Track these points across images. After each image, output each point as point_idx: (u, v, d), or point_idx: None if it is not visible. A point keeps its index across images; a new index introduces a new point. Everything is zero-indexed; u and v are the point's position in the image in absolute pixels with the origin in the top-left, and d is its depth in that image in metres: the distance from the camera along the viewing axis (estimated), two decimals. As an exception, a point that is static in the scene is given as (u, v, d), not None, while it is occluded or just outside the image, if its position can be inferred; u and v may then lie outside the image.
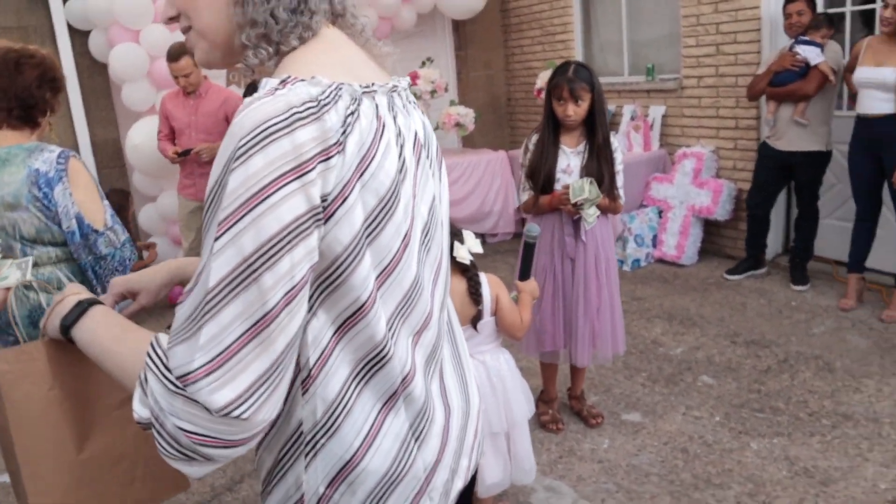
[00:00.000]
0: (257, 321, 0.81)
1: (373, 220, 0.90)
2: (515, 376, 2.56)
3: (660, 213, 5.63)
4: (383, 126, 0.92)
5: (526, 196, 3.13)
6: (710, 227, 5.59)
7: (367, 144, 0.88)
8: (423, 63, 6.46)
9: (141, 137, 5.16)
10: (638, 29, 6.17)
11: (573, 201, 2.92)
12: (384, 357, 0.95)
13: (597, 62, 6.65)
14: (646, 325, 4.46)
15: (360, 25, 1.04)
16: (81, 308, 1.06)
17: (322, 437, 0.95)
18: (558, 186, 3.02)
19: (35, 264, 2.16)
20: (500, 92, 7.60)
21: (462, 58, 7.33)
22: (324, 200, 0.84)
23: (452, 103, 6.61)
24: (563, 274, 3.13)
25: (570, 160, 3.04)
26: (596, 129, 3.00)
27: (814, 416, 3.28)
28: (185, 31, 1.01)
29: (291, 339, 0.84)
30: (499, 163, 6.43)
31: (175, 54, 4.54)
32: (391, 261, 0.93)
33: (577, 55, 6.66)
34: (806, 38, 4.45)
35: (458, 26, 7.22)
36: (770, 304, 4.62)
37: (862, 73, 4.08)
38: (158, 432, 0.86)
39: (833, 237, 5.00)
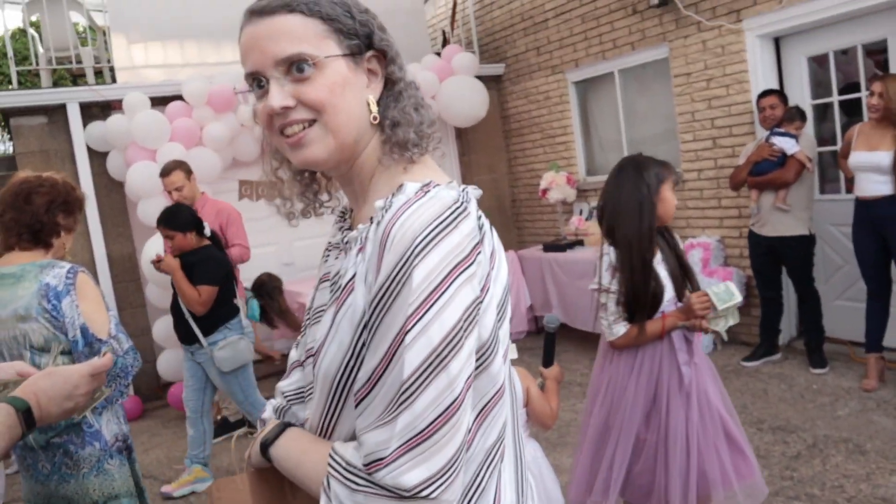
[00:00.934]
0: (448, 406, 0.86)
1: (501, 311, 0.97)
2: (548, 466, 2.53)
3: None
4: (491, 227, 1.01)
5: (621, 328, 2.47)
6: (723, 316, 5.60)
7: (494, 241, 0.98)
8: (429, 169, 6.66)
9: (155, 251, 5.26)
10: (636, 127, 6.40)
11: (721, 308, 2.47)
12: (501, 442, 1.01)
13: (597, 161, 6.86)
14: (668, 415, 4.40)
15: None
16: (280, 429, 1.10)
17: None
18: (665, 305, 2.48)
19: None
20: (504, 194, 7.79)
21: (466, 163, 7.56)
22: (482, 289, 0.92)
23: (459, 206, 6.76)
24: (670, 411, 2.47)
25: (659, 271, 2.49)
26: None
27: (852, 501, 3.20)
28: (304, 124, 1.01)
29: (471, 416, 0.91)
30: (509, 263, 6.47)
31: (167, 169, 4.66)
32: (507, 349, 1.01)
33: (579, 155, 6.88)
34: (781, 129, 4.66)
35: (461, 133, 7.48)
36: (791, 388, 4.57)
37: (857, 158, 4.22)
38: None
39: (846, 318, 5.01)
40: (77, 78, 6.91)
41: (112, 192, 5.94)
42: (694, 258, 5.54)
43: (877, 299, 4.38)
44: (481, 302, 0.91)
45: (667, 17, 5.64)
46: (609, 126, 6.65)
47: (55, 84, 6.94)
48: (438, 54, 7.02)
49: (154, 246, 5.39)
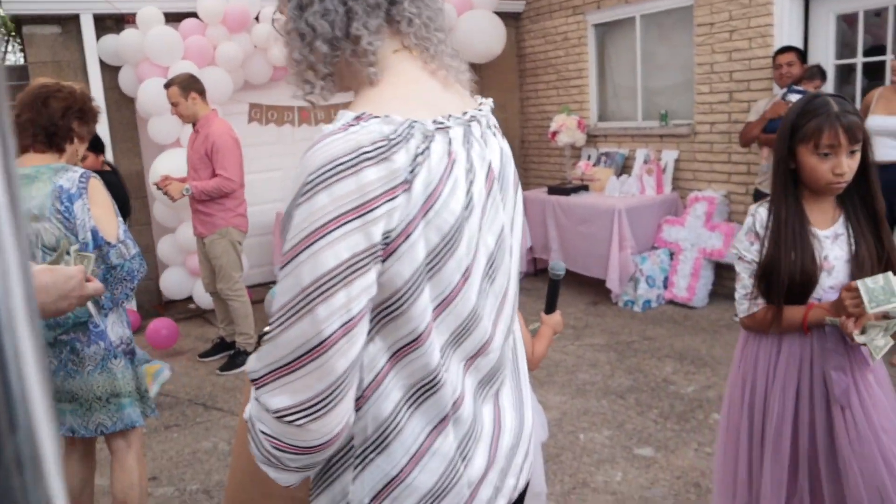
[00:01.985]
0: (314, 347, 0.88)
1: (434, 256, 0.94)
2: (534, 401, 2.58)
3: (671, 255, 5.70)
4: (453, 162, 0.95)
5: (754, 307, 2.02)
6: (721, 271, 5.65)
7: (434, 182, 0.92)
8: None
9: (163, 170, 5.29)
10: (652, 76, 6.32)
11: (873, 312, 1.79)
12: (436, 384, 0.99)
13: (610, 107, 6.80)
14: (657, 363, 4.50)
15: (432, 50, 1.05)
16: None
17: (371, 452, 1.01)
18: (824, 292, 1.95)
19: None
20: (514, 135, 7.75)
21: (478, 100, 7.49)
22: (386, 237, 0.89)
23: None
24: (815, 429, 1.98)
25: (826, 249, 1.96)
26: (868, 194, 2.01)
27: (826, 455, 3.30)
28: None
29: (352, 363, 0.91)
30: (513, 203, 6.52)
31: (167, 83, 4.59)
32: (449, 294, 0.97)
33: (592, 100, 6.82)
34: (799, 87, 4.60)
35: (475, 69, 7.33)
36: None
37: (874, 122, 4.18)
38: (252, 436, 0.96)
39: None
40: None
41: (123, 107, 5.92)
42: (697, 212, 5.56)
43: (875, 264, 4.41)
44: (378, 251, 0.89)
45: (694, -37, 5.51)
46: (625, 72, 6.57)
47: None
48: (458, -14, 6.88)
49: (162, 164, 5.42)
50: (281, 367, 0.90)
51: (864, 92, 4.77)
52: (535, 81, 7.43)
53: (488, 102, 1.17)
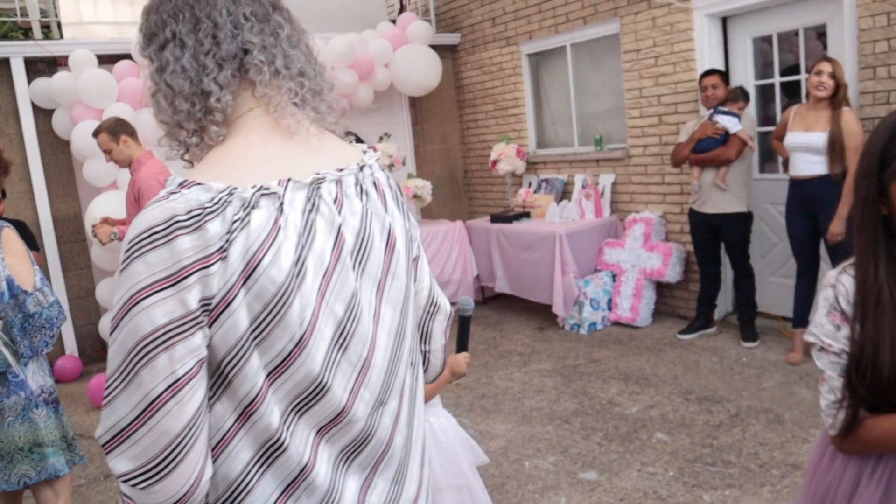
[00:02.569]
0: (143, 410, 0.90)
1: (259, 324, 0.93)
2: (457, 429, 2.58)
3: (613, 276, 5.79)
4: (279, 229, 0.94)
5: (841, 415, 1.39)
6: (663, 289, 5.76)
7: (253, 250, 0.91)
8: (381, 138, 6.66)
9: (100, 212, 5.20)
10: (585, 102, 6.46)
11: None
12: (280, 446, 0.98)
13: (548, 134, 6.92)
14: (602, 385, 4.54)
15: (292, 101, 1.04)
16: None
17: None
18: None
19: None
20: (457, 164, 7.83)
21: (419, 132, 7.57)
22: (206, 304, 0.90)
23: (410, 176, 6.79)
24: None
25: None
26: None
27: (764, 467, 3.36)
28: None
29: (186, 424, 0.91)
30: (456, 233, 6.57)
31: (94, 132, 4.47)
32: (282, 362, 0.96)
33: (530, 128, 6.93)
34: (724, 108, 4.77)
35: (415, 102, 7.47)
36: (722, 361, 4.74)
37: (793, 138, 4.34)
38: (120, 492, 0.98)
39: (779, 294, 5.19)
40: (27, 32, 6.73)
41: (58, 150, 5.82)
42: (636, 233, 5.67)
43: (805, 276, 4.54)
44: (198, 317, 0.90)
45: (618, -7, 5.68)
46: (560, 100, 6.70)
47: (3, 37, 6.74)
48: (394, 22, 6.97)
49: (99, 206, 5.33)
50: (120, 432, 0.91)
51: (784, 109, 4.95)
52: (475, 112, 7.53)
53: (374, 156, 1.16)
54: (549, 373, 4.89)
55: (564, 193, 6.49)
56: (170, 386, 0.89)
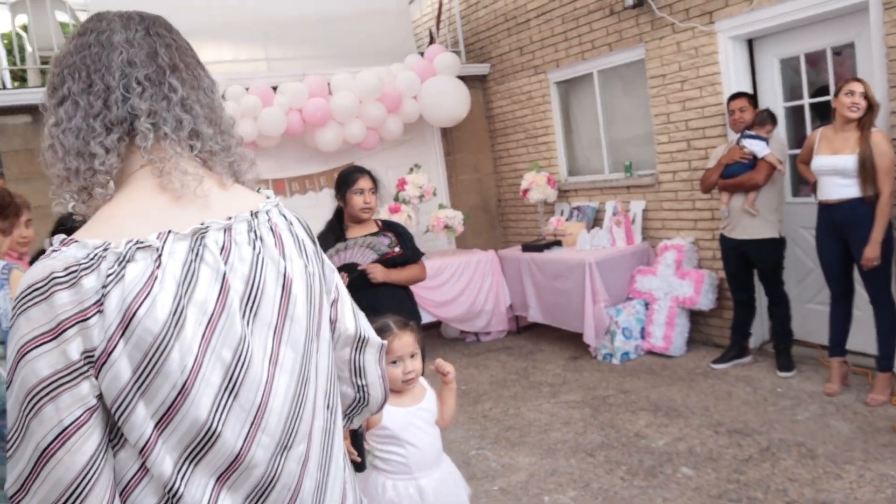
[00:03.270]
0: (38, 459, 0.93)
1: (141, 373, 0.95)
2: (459, 481, 2.58)
3: (646, 305, 5.67)
4: (154, 280, 0.96)
5: None
6: (697, 317, 5.62)
7: (128, 302, 0.94)
8: (411, 169, 6.71)
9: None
10: (615, 128, 6.41)
11: None
12: (175, 495, 0.99)
13: (579, 161, 6.88)
14: (630, 417, 4.43)
15: (182, 171, 1.06)
16: None
17: None
18: None
19: None
20: (490, 193, 7.82)
21: (451, 162, 7.59)
22: (88, 355, 0.94)
23: (441, 207, 6.81)
24: None
25: None
26: None
27: (792, 504, 3.22)
28: None
29: (79, 472, 0.94)
30: (488, 262, 6.55)
31: None
32: (167, 411, 0.97)
33: (560, 156, 6.90)
34: (751, 132, 4.66)
35: (446, 132, 7.52)
36: (756, 391, 4.58)
37: (820, 162, 4.21)
38: None
39: (816, 322, 5.01)
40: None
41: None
42: (667, 260, 5.56)
43: (839, 303, 4.38)
44: (81, 367, 0.94)
45: (642, 19, 5.64)
46: (589, 127, 6.66)
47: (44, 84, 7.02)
48: (422, 54, 7.05)
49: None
50: (24, 483, 0.94)
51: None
52: (506, 140, 7.53)
53: (272, 202, 1.17)
54: (577, 404, 4.80)
55: (596, 221, 6.42)
56: (58, 435, 0.92)
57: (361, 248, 3.53)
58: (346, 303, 1.30)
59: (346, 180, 3.69)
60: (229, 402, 1.01)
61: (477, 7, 7.60)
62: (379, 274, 3.58)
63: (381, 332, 2.28)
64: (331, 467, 1.17)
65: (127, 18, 1.11)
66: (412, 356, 2.41)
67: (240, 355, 1.02)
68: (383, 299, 3.49)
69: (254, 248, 1.07)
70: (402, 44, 7.48)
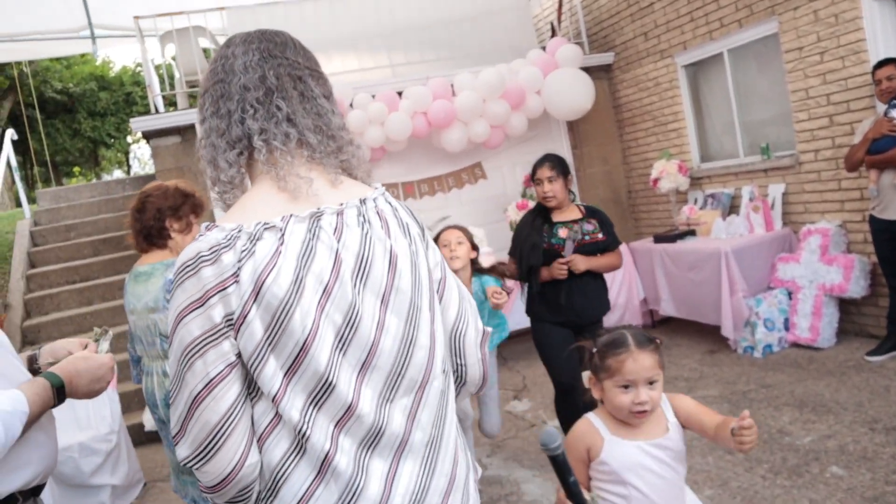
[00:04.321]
0: (190, 405, 1.14)
1: (271, 331, 1.14)
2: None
3: (789, 294, 5.32)
4: (279, 255, 1.15)
5: None
6: (848, 306, 5.21)
7: (258, 272, 1.13)
8: (535, 165, 6.65)
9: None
10: (748, 109, 6.06)
11: None
12: (303, 436, 1.17)
13: (712, 147, 6.56)
14: (773, 413, 4.17)
15: (297, 175, 1.25)
16: None
17: (267, 497, 1.20)
18: None
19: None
20: (620, 185, 7.62)
21: (578, 155, 7.47)
22: (229, 318, 1.14)
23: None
24: None
25: None
26: None
27: (959, 508, 2.92)
28: None
29: (222, 416, 1.14)
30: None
31: None
32: (293, 363, 1.15)
33: (692, 142, 6.61)
34: None
35: (573, 125, 7.40)
36: (918, 385, 4.19)
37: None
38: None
39: None
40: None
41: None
42: (811, 246, 5.20)
43: None
44: (223, 328, 1.14)
45: (775, -10, 5.30)
46: (721, 110, 6.34)
47: (192, 106, 7.58)
48: (544, 48, 6.97)
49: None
50: (180, 424, 1.15)
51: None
52: (634, 130, 7.31)
53: (378, 192, 1.34)
54: (715, 399, 4.58)
55: (732, 208, 6.10)
56: (206, 385, 1.13)
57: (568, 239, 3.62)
58: (452, 285, 1.43)
59: (532, 171, 3.78)
60: (338, 359, 1.18)
61: (598, -5, 7.44)
62: (581, 264, 3.60)
63: (615, 346, 1.94)
64: (445, 426, 1.32)
65: (248, 43, 1.31)
66: (650, 383, 1.91)
67: (349, 319, 1.19)
68: (580, 286, 3.64)
69: (362, 228, 1.25)
70: (524, 39, 7.45)
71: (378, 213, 1.29)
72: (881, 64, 4.45)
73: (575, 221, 3.71)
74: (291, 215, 1.19)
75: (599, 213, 3.84)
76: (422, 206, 6.84)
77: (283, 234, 1.17)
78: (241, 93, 1.26)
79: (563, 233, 3.68)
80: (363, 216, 1.26)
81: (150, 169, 22.45)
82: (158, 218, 2.72)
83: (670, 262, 5.94)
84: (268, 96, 1.26)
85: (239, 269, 1.13)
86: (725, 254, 5.31)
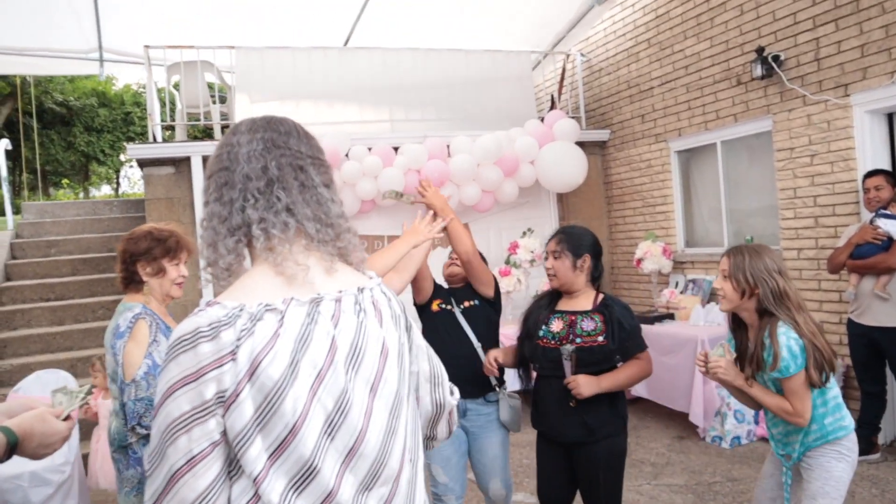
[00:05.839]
0: (169, 480, 1.14)
1: (262, 412, 1.15)
2: None
3: (762, 388, 5.34)
4: (277, 337, 1.18)
5: None
6: (819, 406, 5.22)
7: (255, 353, 1.15)
8: (524, 233, 6.71)
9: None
10: (737, 200, 6.18)
11: None
12: None
13: (697, 233, 6.66)
14: (737, 509, 4.14)
15: (294, 261, 1.29)
16: None
17: None
18: None
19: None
20: (604, 260, 7.67)
21: (566, 227, 7.53)
22: (220, 396, 1.14)
23: (552, 270, 6.73)
24: None
25: None
26: None
27: None
28: None
29: (201, 493, 1.14)
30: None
31: None
32: (279, 445, 1.16)
33: (678, 226, 6.71)
34: (887, 211, 4.36)
35: (562, 197, 7.49)
36: (883, 494, 4.18)
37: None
38: None
39: (958, 424, 4.54)
40: (210, 133, 7.55)
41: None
42: (788, 342, 5.23)
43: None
44: (212, 406, 1.14)
45: (771, 90, 5.46)
46: (710, 197, 6.45)
47: (193, 138, 7.62)
48: (542, 119, 7.10)
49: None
50: (157, 498, 1.14)
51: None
52: (623, 208, 7.41)
53: (374, 282, 1.40)
54: (680, 489, 4.54)
55: (712, 295, 6.16)
56: (187, 461, 1.13)
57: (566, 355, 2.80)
58: (423, 352, 1.51)
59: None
60: (325, 444, 1.20)
61: (600, 74, 7.62)
62: (584, 389, 2.73)
63: None
64: None
65: (253, 132, 1.35)
66: None
67: (340, 404, 1.21)
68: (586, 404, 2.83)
69: (358, 317, 1.29)
70: (524, 108, 7.59)
71: (373, 303, 1.34)
72: (871, 174, 4.57)
73: (574, 314, 2.93)
74: (293, 299, 1.23)
75: (613, 308, 2.94)
76: (406, 261, 6.83)
77: (283, 317, 1.20)
78: (244, 182, 1.30)
79: (556, 325, 2.93)
80: (359, 304, 1.31)
81: (138, 188, 22.40)
82: (130, 262, 2.73)
83: (647, 343, 5.94)
84: (269, 186, 1.30)
85: (237, 347, 1.15)
86: (702, 341, 5.34)
